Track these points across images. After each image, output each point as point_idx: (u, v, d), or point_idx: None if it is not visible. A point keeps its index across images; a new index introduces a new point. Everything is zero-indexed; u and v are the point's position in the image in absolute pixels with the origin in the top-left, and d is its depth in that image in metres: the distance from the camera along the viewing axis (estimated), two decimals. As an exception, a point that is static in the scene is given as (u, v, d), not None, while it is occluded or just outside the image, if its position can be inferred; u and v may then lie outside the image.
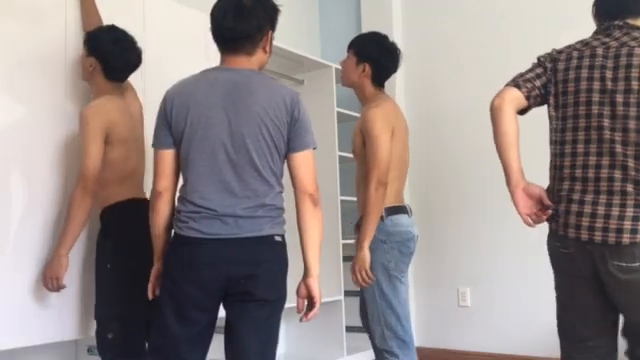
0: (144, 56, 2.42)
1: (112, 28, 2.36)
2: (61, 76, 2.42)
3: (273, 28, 1.96)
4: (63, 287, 2.21)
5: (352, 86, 2.61)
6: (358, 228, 2.49)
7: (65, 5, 2.44)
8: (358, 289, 2.52)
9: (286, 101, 1.87)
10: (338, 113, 3.79)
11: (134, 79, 2.55)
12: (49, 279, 2.19)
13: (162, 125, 1.87)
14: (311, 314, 1.93)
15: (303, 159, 1.90)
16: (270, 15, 1.93)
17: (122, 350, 2.20)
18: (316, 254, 1.90)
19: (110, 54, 2.30)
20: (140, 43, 2.49)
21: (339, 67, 3.71)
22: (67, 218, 2.20)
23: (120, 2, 2.66)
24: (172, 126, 1.85)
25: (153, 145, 1.90)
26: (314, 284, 1.90)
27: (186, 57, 2.86)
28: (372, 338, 2.48)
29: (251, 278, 1.81)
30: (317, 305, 1.91)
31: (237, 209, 1.81)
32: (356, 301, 2.64)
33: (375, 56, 2.55)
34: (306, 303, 1.94)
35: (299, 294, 1.93)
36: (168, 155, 1.87)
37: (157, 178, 1.89)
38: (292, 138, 1.88)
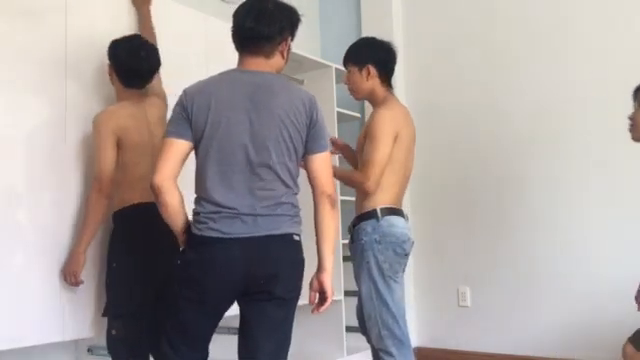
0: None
1: (131, 38, 2.42)
2: (61, 76, 2.41)
3: (292, 35, 1.99)
4: (81, 282, 2.32)
5: (365, 96, 2.60)
6: (353, 228, 2.50)
7: (65, 5, 2.44)
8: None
9: (305, 104, 1.90)
10: (338, 113, 3.79)
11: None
12: (68, 274, 2.30)
13: (181, 118, 1.85)
14: (323, 307, 1.96)
15: (321, 161, 1.94)
16: (292, 22, 1.96)
17: (124, 347, 2.30)
18: (331, 251, 1.96)
19: (123, 63, 2.37)
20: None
21: (339, 67, 3.72)
22: (84, 218, 2.32)
23: (120, 2, 2.66)
24: (192, 123, 1.84)
25: (165, 135, 1.87)
26: (327, 279, 1.94)
27: (186, 57, 2.86)
28: (369, 338, 2.48)
29: (271, 277, 1.83)
30: (329, 299, 1.95)
31: (256, 208, 1.83)
32: (356, 301, 2.64)
33: (372, 55, 2.56)
34: (318, 296, 1.97)
35: (312, 288, 1.97)
36: (181, 145, 1.85)
37: (160, 166, 1.84)
38: (310, 140, 1.91)
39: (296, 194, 1.94)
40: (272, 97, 1.86)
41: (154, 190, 1.85)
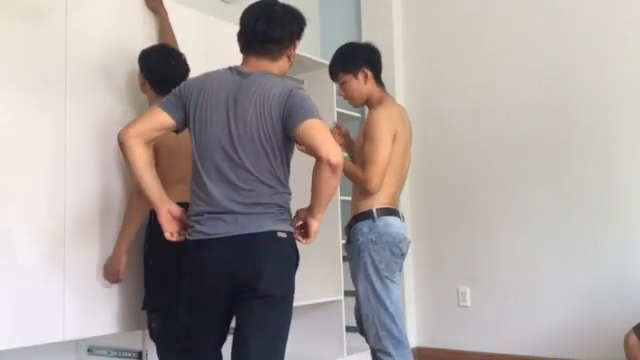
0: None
1: (159, 47, 2.55)
2: (61, 75, 2.41)
3: (299, 37, 2.01)
4: (121, 281, 2.44)
5: (364, 100, 2.58)
6: (349, 228, 2.49)
7: (65, 5, 2.44)
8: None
9: (281, 95, 1.85)
10: (338, 113, 3.79)
11: (133, 77, 2.56)
12: (110, 274, 2.44)
13: (175, 100, 1.91)
14: (303, 240, 1.96)
15: (306, 128, 1.79)
16: (300, 25, 1.99)
17: (164, 338, 2.41)
18: (324, 204, 1.88)
19: (155, 72, 2.46)
20: (139, 43, 2.51)
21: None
22: (125, 220, 2.44)
23: (120, 2, 2.66)
24: (185, 113, 1.91)
25: (157, 105, 1.92)
26: (313, 223, 1.93)
27: (186, 57, 2.86)
28: (367, 339, 2.48)
29: (255, 274, 1.83)
30: (310, 238, 1.95)
31: (236, 207, 1.84)
32: (354, 301, 2.64)
33: (364, 57, 2.56)
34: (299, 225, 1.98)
35: (297, 216, 1.98)
36: (163, 116, 1.89)
37: (132, 123, 1.89)
38: (288, 117, 1.83)
39: (283, 194, 1.90)
40: (249, 96, 1.86)
41: (119, 143, 1.87)
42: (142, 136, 1.86)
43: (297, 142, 1.87)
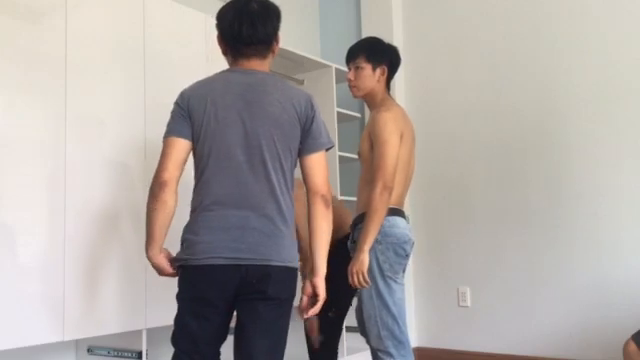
0: (144, 56, 2.42)
1: None
2: (61, 76, 2.42)
3: (279, 29, 1.99)
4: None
5: (367, 94, 2.57)
6: (355, 226, 2.49)
7: (65, 5, 2.45)
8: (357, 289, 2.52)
9: (300, 102, 1.88)
10: (338, 113, 3.79)
11: (133, 77, 2.56)
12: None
13: (180, 116, 1.86)
14: (312, 311, 1.93)
15: (316, 161, 1.91)
16: (278, 16, 1.97)
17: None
18: (324, 256, 1.91)
19: None
20: (140, 43, 2.50)
21: (339, 67, 3.73)
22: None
23: (120, 2, 2.66)
24: (191, 124, 1.86)
25: (166, 134, 1.87)
26: (320, 283, 1.90)
27: (186, 57, 2.86)
28: (368, 339, 2.47)
29: (263, 277, 1.82)
30: (320, 303, 1.92)
31: (250, 208, 1.83)
32: (356, 302, 2.64)
33: (389, 56, 2.57)
34: (310, 301, 1.95)
35: (305, 292, 1.94)
36: (182, 144, 1.85)
37: (163, 166, 1.84)
38: (305, 140, 1.89)
39: (290, 193, 1.92)
40: (264, 96, 1.86)
41: (158, 184, 1.83)
42: (178, 177, 1.86)
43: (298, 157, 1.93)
